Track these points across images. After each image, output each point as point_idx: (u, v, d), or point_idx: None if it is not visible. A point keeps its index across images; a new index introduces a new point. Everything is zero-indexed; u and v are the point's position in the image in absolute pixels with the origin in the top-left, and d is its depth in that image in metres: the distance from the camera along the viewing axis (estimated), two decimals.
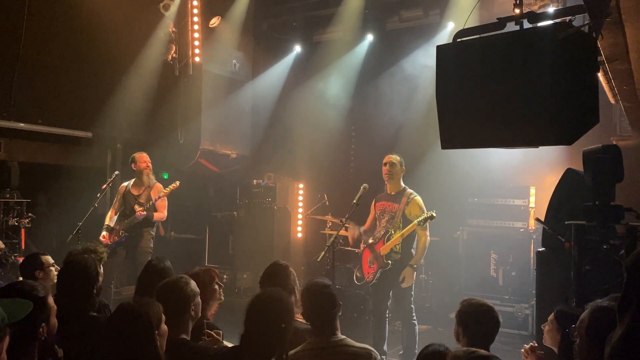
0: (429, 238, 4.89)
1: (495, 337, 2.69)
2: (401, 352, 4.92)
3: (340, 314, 2.81)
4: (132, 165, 6.11)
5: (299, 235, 8.46)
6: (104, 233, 5.94)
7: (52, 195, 7.57)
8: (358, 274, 5.21)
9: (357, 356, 2.63)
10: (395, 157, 4.99)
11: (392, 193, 5.02)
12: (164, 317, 2.31)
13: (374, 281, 4.93)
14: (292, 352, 2.74)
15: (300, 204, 8.49)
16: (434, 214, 4.76)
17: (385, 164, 4.98)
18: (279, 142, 8.51)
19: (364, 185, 4.94)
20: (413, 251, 4.91)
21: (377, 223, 5.09)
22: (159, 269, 3.20)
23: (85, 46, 6.91)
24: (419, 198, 4.93)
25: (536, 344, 2.84)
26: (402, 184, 5.02)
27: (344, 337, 2.73)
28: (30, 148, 7.23)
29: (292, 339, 2.79)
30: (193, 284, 2.74)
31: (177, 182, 6.00)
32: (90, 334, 2.69)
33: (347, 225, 5.10)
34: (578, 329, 2.05)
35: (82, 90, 7.08)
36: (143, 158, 6.10)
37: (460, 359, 1.69)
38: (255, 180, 8.23)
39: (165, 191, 5.95)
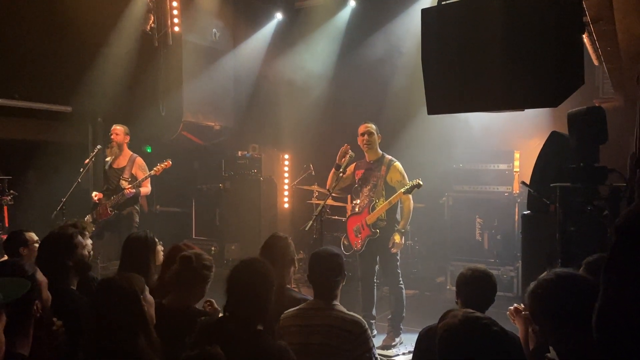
0: (412, 202, 4.94)
1: (491, 302, 2.75)
2: (389, 317, 5.00)
3: (343, 283, 2.92)
4: None
5: (286, 205, 8.47)
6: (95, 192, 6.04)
7: (34, 172, 7.43)
8: (345, 242, 5.24)
9: (346, 322, 2.73)
10: (371, 126, 4.99)
11: (371, 161, 5.03)
12: (147, 287, 2.35)
13: (362, 249, 4.98)
14: (293, 309, 2.87)
15: (286, 174, 8.47)
16: (421, 182, 4.78)
17: (363, 134, 4.97)
18: (263, 112, 8.41)
19: (350, 154, 4.93)
20: (398, 217, 4.96)
21: (359, 191, 5.12)
22: (142, 239, 3.20)
23: (60, 17, 6.66)
24: (398, 164, 4.97)
25: (522, 306, 2.89)
26: (380, 151, 5.04)
27: (338, 303, 2.86)
28: (7, 124, 7.04)
29: (289, 308, 2.90)
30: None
31: (169, 161, 5.92)
32: (65, 306, 2.67)
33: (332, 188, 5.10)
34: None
35: (59, 63, 6.87)
36: (114, 130, 6.07)
37: (456, 319, 1.73)
38: (240, 152, 8.17)
39: (155, 170, 5.90)
